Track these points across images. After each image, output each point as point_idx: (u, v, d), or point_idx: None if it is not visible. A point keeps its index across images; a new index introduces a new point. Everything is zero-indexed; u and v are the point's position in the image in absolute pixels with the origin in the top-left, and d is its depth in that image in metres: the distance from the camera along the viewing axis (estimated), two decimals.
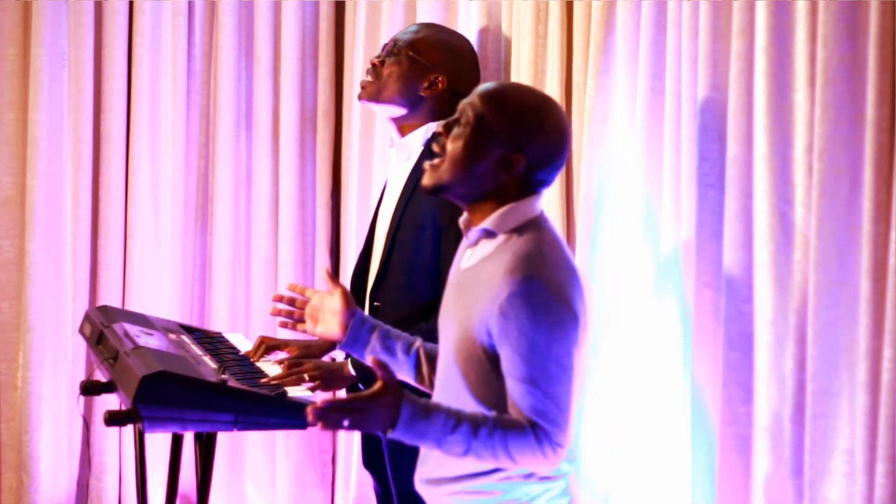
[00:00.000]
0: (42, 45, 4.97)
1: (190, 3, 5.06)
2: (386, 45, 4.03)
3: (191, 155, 5.10)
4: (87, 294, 5.10)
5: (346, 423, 2.82)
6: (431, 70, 3.95)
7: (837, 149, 3.41)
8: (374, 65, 3.99)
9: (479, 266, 2.99)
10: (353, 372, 3.76)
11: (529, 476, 2.99)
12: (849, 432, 3.42)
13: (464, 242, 3.12)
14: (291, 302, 3.32)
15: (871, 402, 3.35)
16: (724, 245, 3.70)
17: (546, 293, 2.87)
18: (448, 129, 3.00)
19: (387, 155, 4.42)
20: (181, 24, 5.03)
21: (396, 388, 2.86)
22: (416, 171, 3.84)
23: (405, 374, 3.25)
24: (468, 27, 4.48)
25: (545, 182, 3.01)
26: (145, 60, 5.03)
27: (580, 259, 4.09)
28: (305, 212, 4.99)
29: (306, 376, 3.69)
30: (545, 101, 3.03)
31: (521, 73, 4.29)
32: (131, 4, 5.06)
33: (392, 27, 4.62)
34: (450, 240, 3.69)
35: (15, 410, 5.06)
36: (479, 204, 3.00)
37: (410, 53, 3.95)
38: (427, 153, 3.84)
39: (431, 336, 3.49)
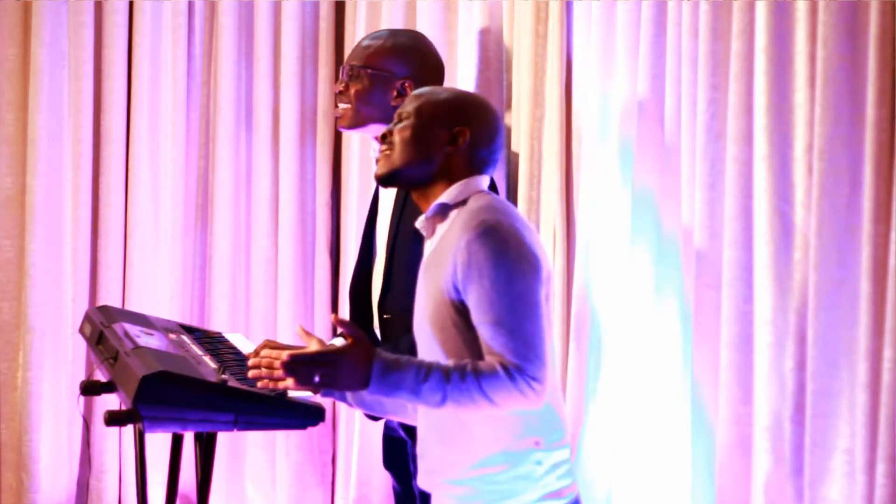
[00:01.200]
0: (42, 45, 4.97)
1: (190, 3, 5.06)
2: (343, 69, 3.98)
3: (191, 155, 5.10)
4: (87, 294, 5.10)
5: (316, 378, 2.91)
6: (395, 78, 3.91)
7: (837, 149, 3.42)
8: (340, 92, 3.95)
9: (438, 244, 3.10)
10: None
11: (537, 442, 3.02)
12: (849, 432, 3.42)
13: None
14: (270, 364, 3.29)
15: (871, 402, 3.35)
16: (724, 245, 3.71)
17: (502, 235, 2.98)
18: (391, 132, 3.18)
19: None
20: (181, 24, 5.03)
21: (367, 343, 2.94)
22: None
23: (395, 413, 3.27)
24: (469, 27, 4.48)
25: (488, 162, 3.17)
26: (145, 60, 5.03)
27: (580, 259, 4.09)
28: (305, 212, 4.99)
29: None
30: (467, 91, 3.30)
31: (521, 73, 4.29)
32: (131, 4, 5.06)
33: (392, 27, 4.61)
34: None
35: (15, 410, 5.06)
36: (431, 188, 3.15)
37: (369, 71, 3.91)
38: None
39: None
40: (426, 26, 4.57)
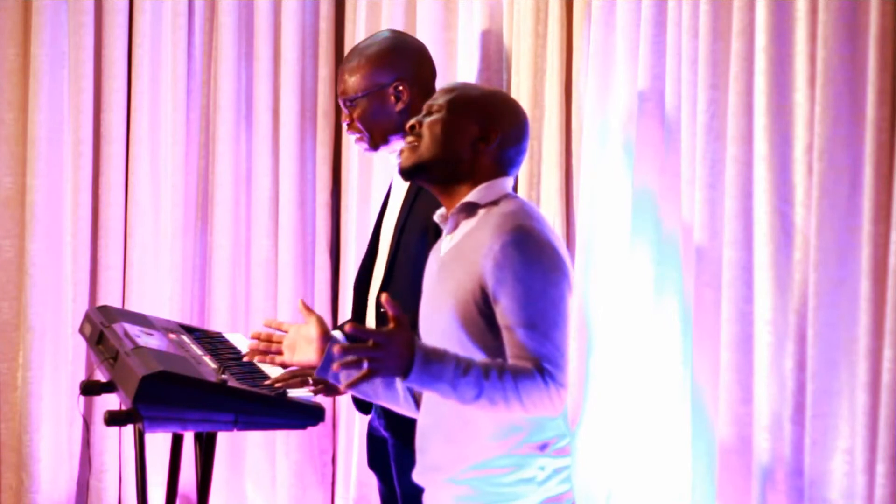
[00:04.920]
0: (42, 45, 4.97)
1: (190, 3, 5.06)
2: (342, 100, 3.97)
3: (191, 155, 5.10)
4: (87, 294, 5.10)
5: (365, 364, 2.83)
6: (387, 87, 3.91)
7: (837, 149, 3.42)
8: (348, 124, 3.94)
9: (462, 241, 3.07)
10: None
11: (543, 447, 3.02)
12: (849, 432, 3.42)
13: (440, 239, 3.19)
14: (269, 338, 3.37)
15: (871, 402, 3.35)
16: (724, 245, 3.71)
17: (536, 239, 2.98)
18: (420, 123, 3.14)
19: (389, 160, 4.41)
20: (181, 24, 5.03)
21: (408, 327, 2.88)
22: None
23: (385, 399, 3.25)
24: (469, 27, 4.48)
25: (514, 163, 3.15)
26: (145, 60, 5.03)
27: (580, 259, 4.09)
28: (305, 212, 4.99)
29: (310, 380, 3.69)
30: (498, 89, 3.30)
31: (521, 73, 4.29)
32: (131, 4, 5.06)
33: (392, 27, 4.61)
34: None
35: (15, 410, 5.06)
36: (456, 187, 3.12)
37: (360, 95, 3.91)
38: None
39: None
40: (426, 26, 4.57)
